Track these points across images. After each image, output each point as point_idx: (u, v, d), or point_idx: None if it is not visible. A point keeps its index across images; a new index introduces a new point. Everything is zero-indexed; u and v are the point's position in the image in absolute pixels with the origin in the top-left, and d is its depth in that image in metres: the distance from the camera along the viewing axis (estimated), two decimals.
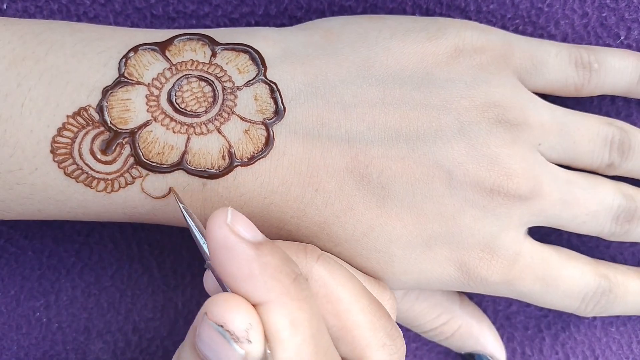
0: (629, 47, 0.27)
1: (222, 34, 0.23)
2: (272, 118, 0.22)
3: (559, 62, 0.25)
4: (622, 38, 0.27)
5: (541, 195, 0.23)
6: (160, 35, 0.22)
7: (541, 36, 0.27)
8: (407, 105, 0.22)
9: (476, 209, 0.23)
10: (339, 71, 0.22)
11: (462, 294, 0.28)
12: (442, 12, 0.26)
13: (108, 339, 0.28)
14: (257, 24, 0.26)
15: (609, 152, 0.25)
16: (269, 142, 0.21)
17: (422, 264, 0.23)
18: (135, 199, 0.21)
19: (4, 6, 0.26)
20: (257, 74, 0.22)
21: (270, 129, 0.21)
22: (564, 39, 0.27)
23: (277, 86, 0.22)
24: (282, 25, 0.26)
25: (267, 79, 0.22)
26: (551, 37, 0.27)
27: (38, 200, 0.21)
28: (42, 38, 0.21)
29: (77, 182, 0.21)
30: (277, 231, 0.23)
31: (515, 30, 0.27)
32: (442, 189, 0.22)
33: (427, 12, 0.26)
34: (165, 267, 0.28)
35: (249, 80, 0.22)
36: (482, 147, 0.23)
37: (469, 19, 0.27)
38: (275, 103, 0.22)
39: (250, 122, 0.21)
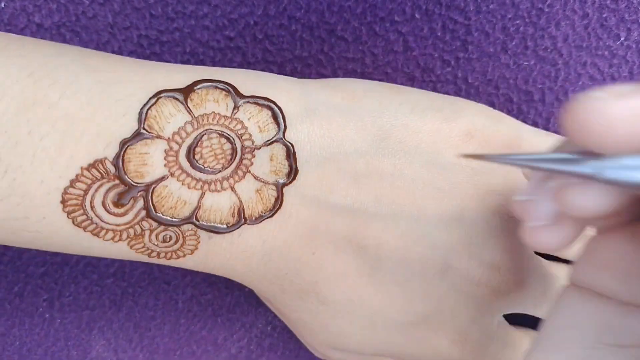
0: (629, 48, 0.27)
1: (244, 82, 0.22)
2: (284, 179, 0.22)
3: None
4: (622, 39, 0.27)
5: (524, 288, 0.24)
6: (182, 76, 0.21)
7: (542, 37, 0.27)
8: (415, 183, 0.22)
9: (460, 294, 0.23)
10: (355, 139, 0.22)
11: None
12: (441, 12, 0.26)
13: (109, 336, 0.29)
14: (255, 25, 0.26)
15: None
16: (277, 203, 0.21)
17: (400, 339, 0.24)
18: (140, 247, 0.21)
19: (2, 5, 0.26)
20: (277, 133, 0.22)
21: (281, 190, 0.22)
22: (565, 40, 0.27)
23: (293, 148, 0.22)
24: (282, 25, 0.26)
25: (285, 139, 0.22)
26: (552, 38, 0.27)
27: (41, 245, 0.21)
28: (54, 77, 0.20)
29: (85, 231, 0.20)
30: (268, 284, 0.23)
31: (516, 31, 0.27)
32: (434, 271, 0.23)
33: (427, 12, 0.26)
34: (167, 266, 0.28)
35: (268, 140, 0.22)
36: (476, 237, 0.23)
37: (469, 19, 0.26)
38: (290, 165, 0.22)
39: (263, 182, 0.21)
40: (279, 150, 0.21)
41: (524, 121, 0.28)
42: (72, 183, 0.20)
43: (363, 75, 0.27)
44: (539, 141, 0.25)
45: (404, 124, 0.23)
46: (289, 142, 0.22)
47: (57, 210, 0.20)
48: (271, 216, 0.21)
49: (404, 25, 0.27)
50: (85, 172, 0.20)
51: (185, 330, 0.29)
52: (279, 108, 0.22)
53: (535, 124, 0.28)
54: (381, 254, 0.22)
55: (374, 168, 0.22)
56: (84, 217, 0.20)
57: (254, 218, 0.21)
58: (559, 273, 0.25)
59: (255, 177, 0.21)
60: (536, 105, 0.28)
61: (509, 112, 0.28)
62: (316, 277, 0.22)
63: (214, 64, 0.27)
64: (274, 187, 0.21)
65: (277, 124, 0.22)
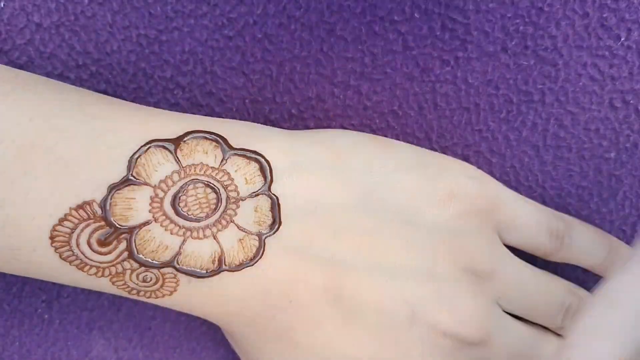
0: (629, 48, 0.27)
1: (236, 134, 0.23)
2: (267, 231, 0.22)
3: (537, 229, 0.27)
4: (622, 39, 0.27)
5: (490, 345, 0.25)
6: (175, 126, 0.22)
7: (542, 37, 0.27)
8: (393, 239, 0.24)
9: (426, 345, 0.24)
10: (339, 195, 0.23)
11: None
12: (440, 11, 0.26)
13: (109, 335, 0.29)
14: (255, 24, 0.26)
15: (562, 319, 0.27)
16: (258, 253, 0.22)
17: None
18: (121, 284, 0.22)
19: (2, 4, 0.26)
20: (263, 186, 0.22)
21: (263, 241, 0.22)
22: (565, 40, 0.27)
23: (278, 201, 0.22)
24: (281, 25, 0.26)
25: (270, 192, 0.23)
26: (552, 38, 0.27)
27: (33, 274, 0.22)
28: (52, 124, 0.21)
29: (71, 265, 0.22)
30: (244, 327, 0.24)
31: (516, 31, 0.27)
32: (403, 324, 0.24)
33: (426, 12, 0.26)
34: None
35: (254, 192, 0.22)
36: (447, 292, 0.24)
37: (468, 18, 0.26)
38: (273, 217, 0.22)
39: (246, 232, 0.22)
40: (263, 202, 0.22)
41: (524, 122, 0.28)
42: (61, 222, 0.21)
43: (363, 75, 0.27)
44: (517, 206, 0.26)
45: (386, 182, 0.24)
46: (274, 195, 0.22)
47: (46, 245, 0.21)
48: (252, 265, 0.22)
49: (404, 25, 0.27)
50: (74, 212, 0.21)
51: (184, 328, 0.29)
52: (267, 162, 0.23)
53: (534, 125, 0.28)
54: (355, 306, 0.23)
55: (355, 224, 0.23)
56: (70, 252, 0.21)
57: (234, 266, 0.22)
58: (522, 332, 0.26)
59: (239, 227, 0.22)
60: (536, 106, 0.28)
61: (509, 113, 0.28)
62: (291, 323, 0.23)
63: (212, 63, 0.27)
64: (257, 238, 0.22)
65: (264, 176, 0.23)
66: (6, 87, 0.21)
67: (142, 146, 0.21)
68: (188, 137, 0.22)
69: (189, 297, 0.23)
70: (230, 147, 0.22)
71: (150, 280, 0.22)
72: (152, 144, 0.22)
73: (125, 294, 0.23)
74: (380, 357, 0.24)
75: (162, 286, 0.22)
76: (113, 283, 0.22)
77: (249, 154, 0.23)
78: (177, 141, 0.22)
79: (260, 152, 0.23)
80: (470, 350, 0.25)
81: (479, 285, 0.25)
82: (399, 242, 0.24)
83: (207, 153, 0.22)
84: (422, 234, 0.24)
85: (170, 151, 0.22)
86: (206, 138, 0.22)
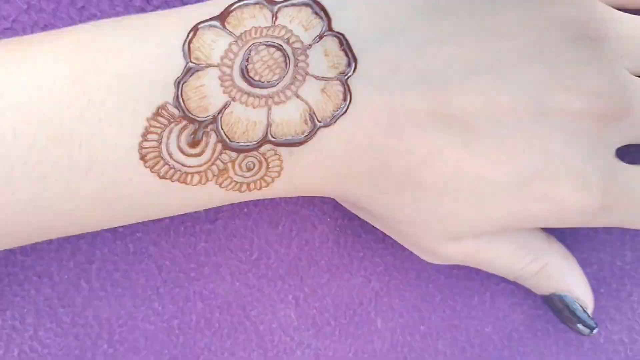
0: None
1: None
2: (345, 71, 0.21)
3: None
4: None
5: (631, 112, 0.22)
6: (212, 8, 0.21)
7: None
8: (483, 33, 0.21)
9: (566, 133, 0.22)
10: (406, 8, 0.21)
11: (548, 232, 0.27)
12: None
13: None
14: None
15: None
16: (346, 97, 0.21)
17: (515, 203, 0.22)
18: (228, 183, 0.21)
19: None
20: (323, 27, 0.21)
21: (346, 83, 0.21)
22: None
23: (344, 37, 0.21)
24: None
25: (333, 30, 0.21)
26: None
27: (139, 213, 0.21)
28: (95, 47, 0.20)
29: (172, 181, 0.20)
30: (362, 188, 0.22)
31: None
32: (528, 117, 0.21)
33: None
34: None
35: (316, 36, 0.21)
36: (565, 67, 0.22)
37: None
38: (346, 55, 0.21)
39: (326, 80, 0.21)
40: (330, 43, 0.21)
41: None
42: (144, 137, 0.20)
43: None
44: None
45: None
46: (338, 33, 0.21)
47: (139, 169, 0.20)
48: (344, 112, 0.21)
49: None
50: (152, 122, 0.20)
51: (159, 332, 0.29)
52: (317, 2, 0.21)
53: None
54: (468, 118, 0.21)
55: (435, 33, 0.21)
56: (167, 167, 0.20)
57: (327, 119, 0.21)
58: None
59: (316, 77, 0.21)
60: None
61: None
62: (408, 164, 0.22)
63: None
64: (339, 82, 0.21)
65: (320, 18, 0.21)
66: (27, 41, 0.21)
67: (189, 31, 0.20)
68: (231, 8, 0.21)
69: (297, 171, 0.21)
70: (275, 3, 0.21)
71: (254, 166, 0.21)
72: (200, 26, 0.20)
73: (236, 195, 0.22)
74: (516, 167, 0.21)
75: (267, 169, 0.21)
76: (221, 185, 0.21)
77: (296, 1, 0.21)
78: (222, 17, 0.21)
79: None
80: (614, 125, 0.22)
81: (597, 50, 0.22)
82: (491, 33, 0.21)
83: (255, 17, 0.21)
84: (515, 15, 0.22)
85: (219, 28, 0.21)
86: (247, 4, 0.21)
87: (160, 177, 0.20)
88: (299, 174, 0.22)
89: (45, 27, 0.26)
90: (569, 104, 0.22)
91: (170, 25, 0.21)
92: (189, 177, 0.21)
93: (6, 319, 0.27)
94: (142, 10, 0.26)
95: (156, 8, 0.27)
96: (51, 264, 0.27)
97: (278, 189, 0.22)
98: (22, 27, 0.26)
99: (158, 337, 0.28)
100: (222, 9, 0.21)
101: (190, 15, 0.21)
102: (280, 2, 0.21)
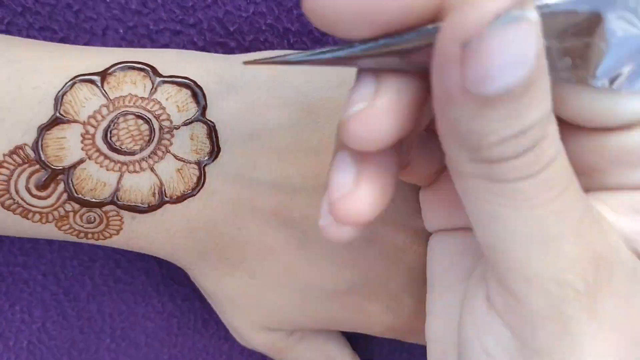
0: None
1: (165, 62, 0.22)
2: (206, 158, 0.22)
3: None
4: None
5: None
6: (101, 60, 0.22)
7: None
8: None
9: (389, 261, 0.23)
10: (281, 115, 0.22)
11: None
12: None
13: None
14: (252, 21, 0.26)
15: None
16: (199, 182, 0.22)
17: (333, 308, 0.24)
18: (67, 228, 0.22)
19: None
20: (196, 113, 0.22)
21: (203, 169, 0.22)
22: None
23: (214, 127, 0.22)
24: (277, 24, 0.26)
25: (205, 118, 0.22)
26: None
27: None
28: None
29: (15, 214, 0.21)
30: (196, 261, 0.23)
31: None
32: (360, 241, 0.23)
33: None
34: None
35: (188, 119, 0.22)
36: (401, 205, 0.23)
37: None
38: (211, 144, 0.22)
39: (184, 162, 0.22)
40: (199, 129, 0.22)
41: None
42: None
43: None
44: None
45: (330, 98, 0.22)
46: (210, 121, 0.22)
47: None
48: (194, 195, 0.22)
49: None
50: (7, 158, 0.20)
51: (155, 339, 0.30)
52: (199, 87, 0.22)
53: None
54: (307, 227, 0.22)
55: (300, 144, 0.22)
56: (11, 201, 0.21)
57: (175, 197, 0.22)
58: None
59: (176, 157, 0.21)
60: None
61: None
62: (244, 253, 0.23)
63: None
64: (196, 166, 0.22)
65: (197, 102, 0.22)
66: None
67: (66, 83, 0.21)
68: (114, 69, 0.21)
69: (135, 234, 0.22)
70: (160, 75, 0.22)
71: (95, 220, 0.22)
72: (77, 79, 0.21)
73: (73, 239, 0.22)
74: (340, 278, 0.23)
75: (107, 226, 0.22)
76: (59, 228, 0.22)
77: (179, 80, 0.22)
78: (103, 74, 0.21)
79: (191, 77, 0.22)
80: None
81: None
82: None
83: (135, 84, 0.21)
84: None
85: (96, 85, 0.21)
86: (133, 68, 0.21)
87: (4, 208, 0.21)
88: (137, 237, 0.22)
89: (41, 30, 0.26)
90: (396, 238, 0.23)
91: (53, 70, 0.21)
92: (31, 214, 0.21)
93: (15, 313, 0.28)
94: (139, 13, 0.26)
95: (152, 11, 0.26)
96: (55, 263, 0.28)
97: (115, 243, 0.23)
98: (17, 29, 0.25)
99: (158, 335, 0.29)
100: (109, 64, 0.21)
101: (76, 63, 0.21)
102: (163, 77, 0.22)
